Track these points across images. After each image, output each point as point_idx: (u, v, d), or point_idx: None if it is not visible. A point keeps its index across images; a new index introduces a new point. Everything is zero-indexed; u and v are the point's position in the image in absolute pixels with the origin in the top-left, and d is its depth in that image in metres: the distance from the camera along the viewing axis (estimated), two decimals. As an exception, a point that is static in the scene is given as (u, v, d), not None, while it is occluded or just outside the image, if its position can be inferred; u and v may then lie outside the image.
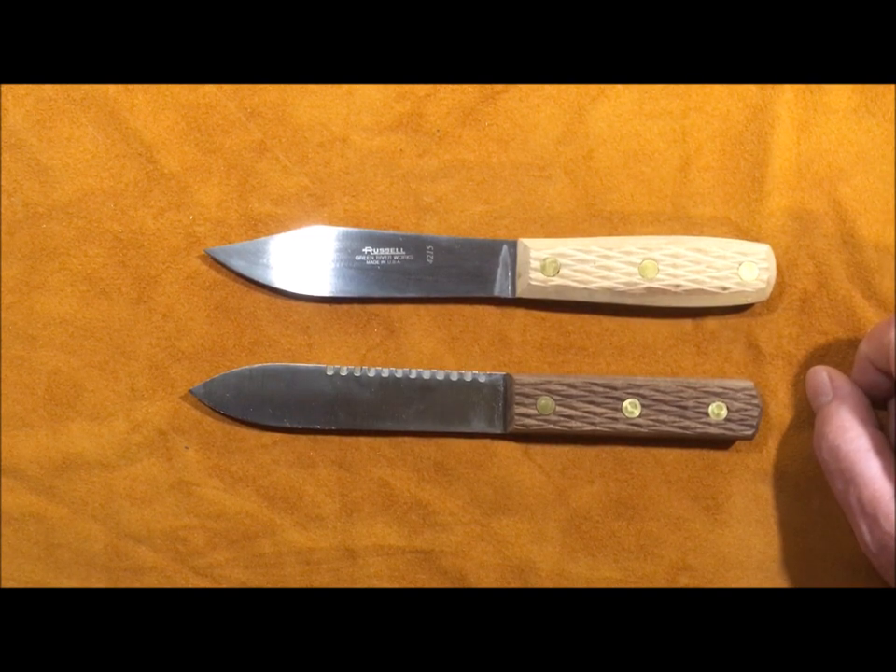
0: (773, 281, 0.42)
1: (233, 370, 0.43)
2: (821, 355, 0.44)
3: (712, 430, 0.42)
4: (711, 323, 0.44)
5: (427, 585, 0.44)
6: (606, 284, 0.42)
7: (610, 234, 0.44)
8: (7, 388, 0.44)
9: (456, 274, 0.43)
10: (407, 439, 0.44)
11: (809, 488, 0.43)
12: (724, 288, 0.42)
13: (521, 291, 0.43)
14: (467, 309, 0.44)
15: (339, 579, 0.44)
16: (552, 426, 0.42)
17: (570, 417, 0.42)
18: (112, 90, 0.44)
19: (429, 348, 0.44)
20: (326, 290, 0.43)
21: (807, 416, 0.43)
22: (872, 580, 0.42)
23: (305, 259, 0.43)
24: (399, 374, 0.43)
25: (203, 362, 0.44)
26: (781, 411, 0.44)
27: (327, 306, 0.44)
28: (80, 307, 0.44)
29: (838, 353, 0.44)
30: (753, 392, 0.42)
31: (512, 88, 0.44)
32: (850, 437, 0.38)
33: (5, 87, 0.44)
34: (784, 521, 0.43)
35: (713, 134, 0.44)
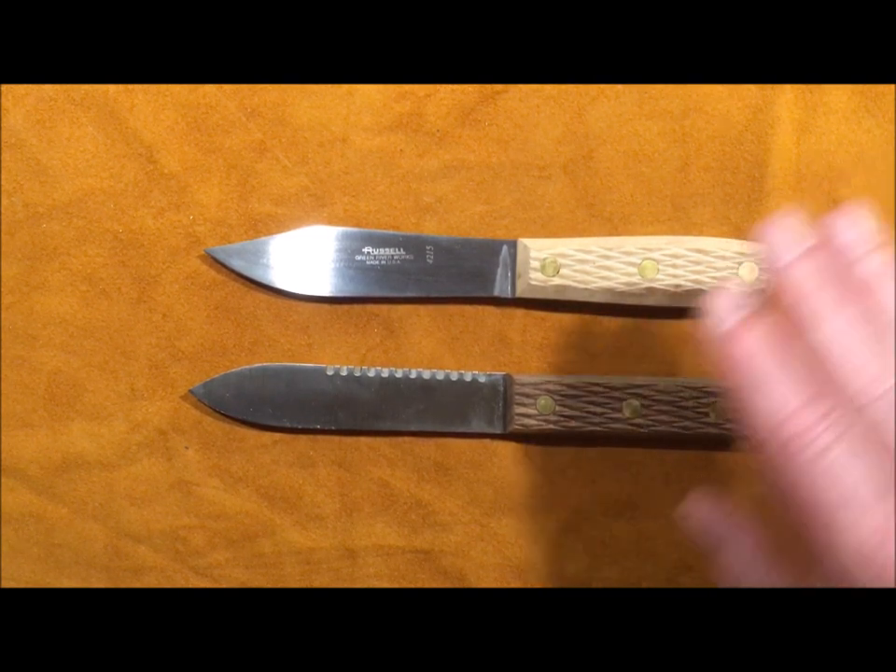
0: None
1: (233, 369, 0.43)
2: (821, 355, 0.44)
3: (712, 430, 0.42)
4: (711, 323, 0.44)
5: (427, 585, 0.44)
6: (606, 284, 0.42)
7: (610, 234, 0.44)
8: (7, 388, 0.44)
9: (456, 274, 0.43)
10: (407, 439, 0.44)
11: (809, 488, 0.43)
12: (724, 288, 0.42)
13: (521, 291, 0.43)
14: (467, 309, 0.44)
15: (339, 579, 0.44)
16: (552, 426, 0.42)
17: (570, 417, 0.42)
18: (112, 90, 0.44)
19: (429, 348, 0.44)
20: (326, 290, 0.43)
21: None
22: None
23: (305, 259, 0.43)
24: (399, 374, 0.43)
25: (203, 362, 0.44)
26: (781, 411, 0.44)
27: (327, 306, 0.44)
28: (80, 307, 0.44)
29: (838, 353, 0.44)
30: (753, 392, 0.42)
31: (512, 88, 0.44)
32: None
33: (5, 87, 0.44)
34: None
35: (713, 135, 0.44)
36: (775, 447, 0.26)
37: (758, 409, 0.27)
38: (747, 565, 0.29)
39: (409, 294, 0.43)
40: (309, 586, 0.44)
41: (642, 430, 0.42)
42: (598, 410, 0.42)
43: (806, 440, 0.26)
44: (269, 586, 0.44)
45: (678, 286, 0.42)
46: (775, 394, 0.27)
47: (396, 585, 0.44)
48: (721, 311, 0.30)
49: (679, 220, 0.44)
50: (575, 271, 0.42)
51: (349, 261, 0.43)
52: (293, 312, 0.44)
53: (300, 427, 0.43)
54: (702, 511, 0.31)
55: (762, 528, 0.30)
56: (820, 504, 0.26)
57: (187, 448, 0.44)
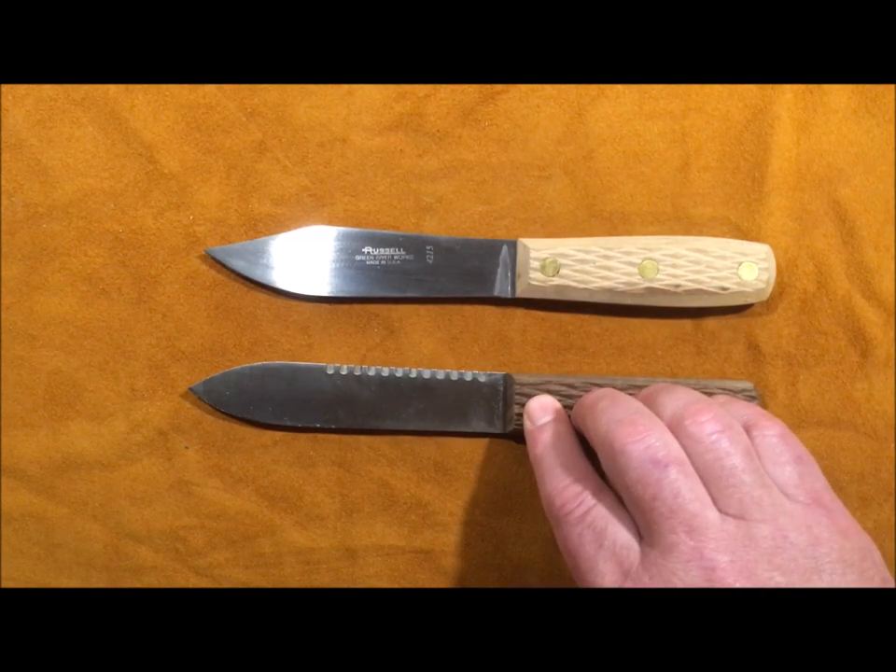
0: (773, 281, 0.42)
1: (234, 367, 0.43)
2: (821, 355, 0.44)
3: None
4: (711, 323, 0.44)
5: (426, 585, 0.44)
6: (606, 284, 0.42)
7: (610, 234, 0.44)
8: (7, 388, 0.44)
9: (456, 274, 0.43)
10: (407, 438, 0.44)
11: (809, 488, 0.43)
12: (724, 288, 0.42)
13: (521, 291, 0.43)
14: (467, 309, 0.44)
15: (339, 579, 0.44)
16: (552, 426, 0.42)
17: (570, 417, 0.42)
18: (112, 90, 0.44)
19: (429, 348, 0.44)
20: (326, 290, 0.43)
21: (807, 416, 0.43)
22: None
23: (305, 258, 0.43)
24: (399, 374, 0.43)
25: (203, 362, 0.44)
26: (781, 411, 0.44)
27: (327, 306, 0.44)
28: (80, 307, 0.44)
29: (838, 353, 0.44)
30: (753, 392, 0.42)
31: (512, 88, 0.44)
32: None
33: (5, 87, 0.44)
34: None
35: (713, 135, 0.44)
36: (553, 512, 0.37)
37: (545, 487, 0.38)
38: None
39: (409, 294, 0.43)
40: (309, 586, 0.44)
41: (642, 430, 0.42)
42: (598, 410, 0.42)
43: (568, 509, 0.36)
44: (269, 586, 0.44)
45: (678, 286, 0.42)
46: (553, 478, 0.38)
47: (396, 585, 0.44)
48: (534, 413, 0.41)
49: (679, 220, 0.44)
50: (575, 271, 0.42)
51: (349, 261, 0.43)
52: (293, 312, 0.44)
53: (300, 425, 0.43)
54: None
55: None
56: (570, 554, 0.36)
57: (187, 448, 0.44)
